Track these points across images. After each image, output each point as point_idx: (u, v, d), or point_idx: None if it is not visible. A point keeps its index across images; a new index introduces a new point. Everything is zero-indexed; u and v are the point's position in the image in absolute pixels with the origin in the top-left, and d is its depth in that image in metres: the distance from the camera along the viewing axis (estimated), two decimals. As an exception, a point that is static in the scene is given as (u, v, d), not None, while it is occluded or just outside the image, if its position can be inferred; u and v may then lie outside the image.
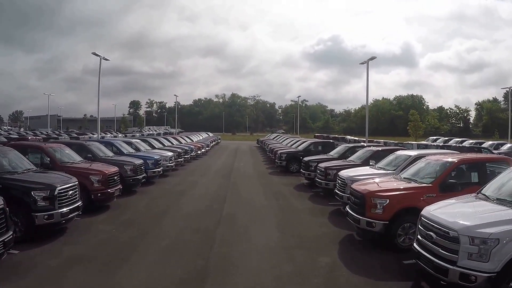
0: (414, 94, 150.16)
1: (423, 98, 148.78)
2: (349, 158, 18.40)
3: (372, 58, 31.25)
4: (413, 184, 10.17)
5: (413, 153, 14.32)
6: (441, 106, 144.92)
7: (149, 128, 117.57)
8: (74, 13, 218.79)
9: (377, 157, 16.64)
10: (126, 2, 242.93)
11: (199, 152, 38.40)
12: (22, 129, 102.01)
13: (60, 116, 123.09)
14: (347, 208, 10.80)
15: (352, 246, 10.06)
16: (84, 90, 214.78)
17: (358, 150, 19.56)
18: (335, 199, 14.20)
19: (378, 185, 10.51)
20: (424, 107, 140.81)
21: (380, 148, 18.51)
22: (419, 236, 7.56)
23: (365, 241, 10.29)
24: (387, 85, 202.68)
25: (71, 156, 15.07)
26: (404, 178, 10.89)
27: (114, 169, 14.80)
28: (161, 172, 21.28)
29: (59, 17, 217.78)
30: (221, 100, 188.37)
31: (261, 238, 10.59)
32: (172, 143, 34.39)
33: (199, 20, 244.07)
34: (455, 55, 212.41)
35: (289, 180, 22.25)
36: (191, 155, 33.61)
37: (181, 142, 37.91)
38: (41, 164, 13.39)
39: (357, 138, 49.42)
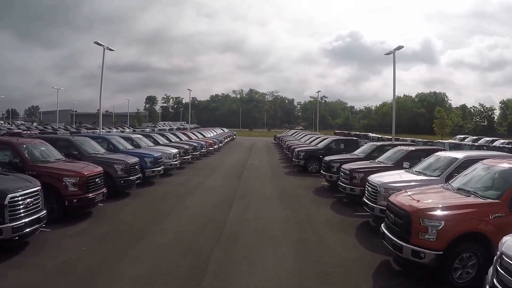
0: (437, 91, 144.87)
1: (446, 96, 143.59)
2: (378, 159, 15.67)
3: (399, 48, 28.26)
4: (473, 200, 7.46)
5: (459, 155, 11.54)
6: (464, 104, 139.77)
7: (164, 124, 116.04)
8: (93, 10, 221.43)
9: (411, 158, 14.20)
10: (144, 1, 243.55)
11: (210, 148, 36.02)
12: (34, 124, 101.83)
13: (73, 111, 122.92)
14: (383, 228, 8.14)
15: (390, 280, 7.44)
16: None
17: (387, 150, 16.91)
18: (362, 208, 11.66)
19: (426, 199, 7.84)
20: (447, 105, 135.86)
21: (414, 148, 15.78)
22: (496, 283, 5.02)
23: (407, 272, 7.68)
24: (407, 82, 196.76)
25: (50, 154, 12.75)
26: (458, 189, 8.20)
27: (96, 169, 12.40)
28: (162, 172, 18.88)
29: (77, 14, 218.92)
30: (238, 96, 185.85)
31: (269, 266, 8.02)
32: (180, 139, 31.99)
33: (217, 17, 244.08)
34: (476, 52, 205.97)
35: (308, 182, 19.66)
36: (201, 152, 31.18)
37: (191, 138, 35.51)
38: (9, 163, 11.08)
39: (380, 136, 46.54)
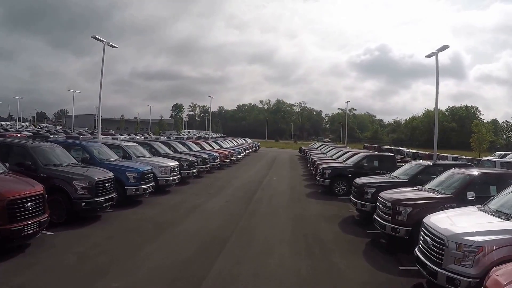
0: (468, 105, 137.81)
1: (478, 110, 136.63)
2: (428, 186, 11.45)
3: (444, 48, 23.93)
4: None
5: None
6: (495, 118, 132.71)
7: (189, 132, 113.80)
8: (124, 19, 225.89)
9: (477, 186, 10.20)
10: (176, 10, 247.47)
11: (226, 160, 32.26)
12: (58, 127, 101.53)
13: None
14: None
15: None
16: (132, 93, 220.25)
17: (437, 171, 12.95)
18: (409, 257, 7.84)
19: None
20: (478, 119, 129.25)
21: (478, 172, 11.44)
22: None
23: None
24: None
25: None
26: None
27: (27, 189, 8.77)
28: (151, 190, 15.22)
29: (109, 23, 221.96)
30: (265, 106, 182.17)
31: None
32: (191, 148, 28.28)
33: (247, 29, 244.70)
34: (504, 66, 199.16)
35: (333, 209, 15.64)
36: (213, 164, 27.47)
37: (204, 148, 31.79)
38: None
39: (415, 151, 42.13)
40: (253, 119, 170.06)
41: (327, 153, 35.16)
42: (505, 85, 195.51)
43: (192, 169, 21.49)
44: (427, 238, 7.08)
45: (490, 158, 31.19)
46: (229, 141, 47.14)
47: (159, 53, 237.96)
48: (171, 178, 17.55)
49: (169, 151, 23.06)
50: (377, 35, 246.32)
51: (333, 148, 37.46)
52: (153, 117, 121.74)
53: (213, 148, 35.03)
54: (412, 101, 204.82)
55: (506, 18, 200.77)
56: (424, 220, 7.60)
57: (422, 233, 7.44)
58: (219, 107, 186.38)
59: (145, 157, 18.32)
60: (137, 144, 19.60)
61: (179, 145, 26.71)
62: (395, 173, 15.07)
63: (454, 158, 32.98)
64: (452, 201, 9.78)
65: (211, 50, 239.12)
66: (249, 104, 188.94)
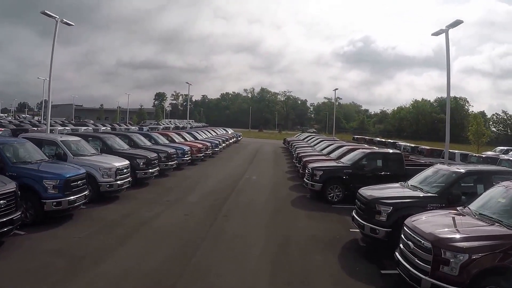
0: (457, 96, 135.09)
1: (467, 101, 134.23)
2: (477, 209, 7.51)
3: (456, 24, 20.01)
4: None
5: None
6: (483, 111, 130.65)
7: (169, 121, 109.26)
8: (111, 10, 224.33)
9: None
10: (163, 1, 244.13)
11: (199, 155, 28.19)
12: (36, 118, 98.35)
13: (79, 106, 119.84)
14: None
15: None
16: (117, 83, 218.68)
17: (472, 181, 9.29)
18: None
19: None
20: (465, 110, 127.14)
21: None
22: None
23: None
24: (419, 87, 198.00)
25: None
26: None
27: None
28: (83, 201, 11.30)
29: (97, 14, 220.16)
30: (249, 95, 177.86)
31: None
32: (157, 142, 24.16)
33: (234, 19, 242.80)
34: (487, 60, 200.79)
35: (329, 227, 11.82)
36: (182, 159, 23.53)
37: (174, 141, 27.62)
38: None
39: (414, 145, 38.60)
40: (237, 108, 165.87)
41: (314, 146, 31.27)
42: (489, 78, 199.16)
43: (152, 168, 17.40)
44: None
45: (506, 156, 27.73)
46: (206, 132, 42.70)
47: (146, 43, 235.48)
48: (117, 182, 13.55)
49: (126, 146, 18.93)
50: (362, 27, 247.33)
51: (322, 141, 33.11)
52: (137, 106, 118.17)
53: (185, 140, 30.80)
54: (396, 92, 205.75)
55: (487, 13, 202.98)
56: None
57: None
58: (203, 95, 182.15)
59: (87, 155, 14.29)
60: (80, 139, 15.44)
61: (142, 138, 22.30)
62: (413, 182, 10.92)
63: (463, 155, 29.21)
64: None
65: (197, 40, 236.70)
66: (233, 92, 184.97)
